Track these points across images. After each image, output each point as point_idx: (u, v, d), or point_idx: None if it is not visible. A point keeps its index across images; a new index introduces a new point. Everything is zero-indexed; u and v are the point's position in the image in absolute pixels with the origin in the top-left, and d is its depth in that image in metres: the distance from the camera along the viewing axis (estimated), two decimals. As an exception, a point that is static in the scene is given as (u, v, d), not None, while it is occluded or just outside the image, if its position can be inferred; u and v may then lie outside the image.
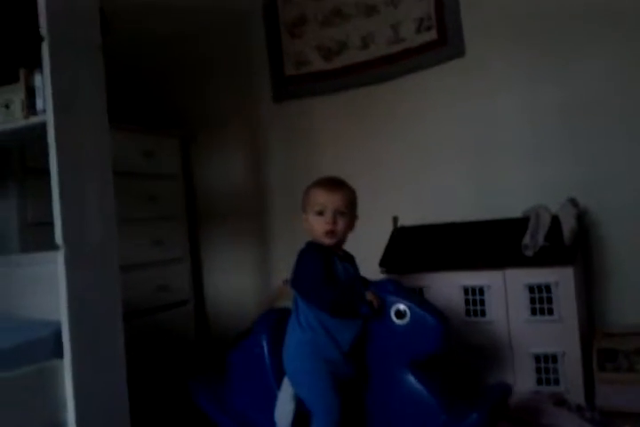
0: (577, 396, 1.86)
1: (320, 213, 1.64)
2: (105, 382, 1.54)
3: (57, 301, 1.50)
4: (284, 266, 2.75)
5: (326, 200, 1.65)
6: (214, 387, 1.82)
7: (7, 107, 1.71)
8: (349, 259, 1.74)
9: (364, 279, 1.75)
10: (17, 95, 1.68)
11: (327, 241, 1.65)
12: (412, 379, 1.56)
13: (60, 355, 1.47)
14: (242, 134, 2.97)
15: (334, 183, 1.70)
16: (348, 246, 1.74)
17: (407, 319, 1.58)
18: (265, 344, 1.70)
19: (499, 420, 1.56)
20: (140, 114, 2.90)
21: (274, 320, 1.76)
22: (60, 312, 1.48)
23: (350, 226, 1.69)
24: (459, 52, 2.46)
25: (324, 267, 1.59)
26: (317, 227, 1.65)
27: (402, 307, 1.58)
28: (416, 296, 1.65)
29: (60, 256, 1.50)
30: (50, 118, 1.57)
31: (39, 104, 1.64)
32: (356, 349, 1.61)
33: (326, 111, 2.74)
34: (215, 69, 2.99)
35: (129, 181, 2.42)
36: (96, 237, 1.60)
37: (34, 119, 1.63)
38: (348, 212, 1.67)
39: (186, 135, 2.96)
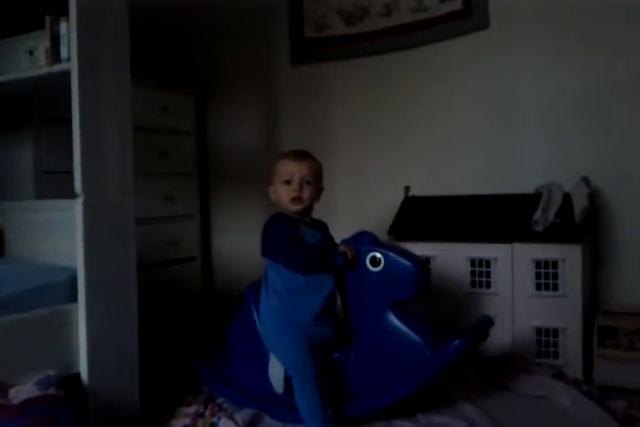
0: (575, 370, 1.90)
1: (287, 182, 1.69)
2: (117, 328, 1.57)
3: (73, 247, 1.52)
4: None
5: (293, 169, 1.69)
6: (217, 364, 1.86)
7: (31, 53, 1.70)
8: (320, 225, 1.77)
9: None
10: (41, 42, 1.67)
11: (293, 207, 1.69)
12: (394, 321, 1.61)
13: (74, 299, 1.50)
14: (257, 95, 2.95)
15: (301, 154, 1.75)
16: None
17: (382, 265, 1.62)
18: (254, 312, 1.74)
19: (478, 345, 1.62)
20: (158, 71, 2.88)
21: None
22: (77, 258, 1.50)
23: (317, 196, 1.74)
24: (483, 24, 2.42)
25: (292, 232, 1.64)
26: (284, 195, 1.69)
27: (377, 255, 1.63)
28: (390, 245, 1.70)
29: (78, 204, 1.52)
30: (74, 67, 1.56)
31: (63, 52, 1.63)
32: (329, 310, 1.65)
33: (344, 76, 2.72)
34: (234, 29, 2.96)
35: (143, 136, 2.42)
36: (114, 187, 1.61)
37: (58, 67, 1.62)
38: (314, 181, 1.71)
39: (202, 93, 2.95)
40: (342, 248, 1.63)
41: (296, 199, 1.67)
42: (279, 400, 1.68)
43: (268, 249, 1.69)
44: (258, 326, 1.72)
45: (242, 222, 2.95)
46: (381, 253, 1.63)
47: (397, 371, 1.57)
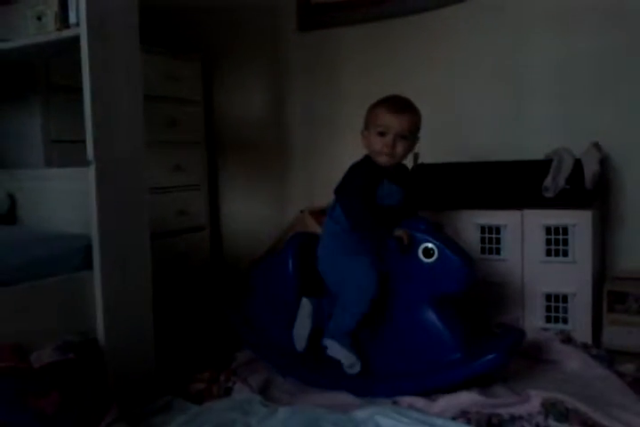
0: (584, 335, 1.92)
1: (381, 134, 1.66)
2: (132, 294, 1.59)
3: (86, 215, 1.52)
4: (300, 197, 2.79)
5: (390, 122, 1.65)
6: (242, 305, 1.89)
7: (39, 19, 1.68)
8: (401, 174, 1.75)
9: (412, 208, 1.79)
10: (49, 7, 1.65)
11: (383, 161, 1.67)
12: (431, 315, 1.59)
13: (89, 266, 1.51)
14: (264, 63, 2.92)
15: (401, 105, 1.68)
16: None
17: (434, 258, 1.59)
18: (290, 262, 1.75)
19: (510, 362, 1.59)
20: (164, 38, 2.85)
21: (301, 241, 1.80)
22: (91, 226, 1.51)
23: (410, 149, 1.71)
24: (492, -13, 2.39)
25: (368, 186, 1.64)
26: (376, 146, 1.67)
27: (430, 246, 1.59)
28: (446, 237, 1.66)
29: (91, 172, 1.52)
30: (83, 32, 1.54)
31: (72, 17, 1.61)
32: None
33: (353, 42, 2.68)
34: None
35: (149, 104, 2.41)
36: (125, 155, 1.61)
37: (67, 32, 1.61)
38: (410, 136, 1.68)
39: (209, 60, 2.92)
40: (399, 232, 1.59)
41: (388, 155, 1.66)
42: (299, 357, 1.70)
43: (338, 191, 1.71)
44: (290, 274, 1.73)
45: (250, 192, 2.95)
46: (436, 245, 1.59)
47: (423, 364, 1.58)
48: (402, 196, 1.73)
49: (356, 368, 1.62)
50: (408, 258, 1.62)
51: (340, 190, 1.71)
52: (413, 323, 1.61)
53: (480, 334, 1.66)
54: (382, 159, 1.67)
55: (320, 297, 1.71)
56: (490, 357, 1.51)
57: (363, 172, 1.68)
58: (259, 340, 1.82)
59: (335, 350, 1.63)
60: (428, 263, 1.60)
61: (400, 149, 1.66)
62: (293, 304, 1.69)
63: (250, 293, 1.88)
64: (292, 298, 1.70)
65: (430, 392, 1.54)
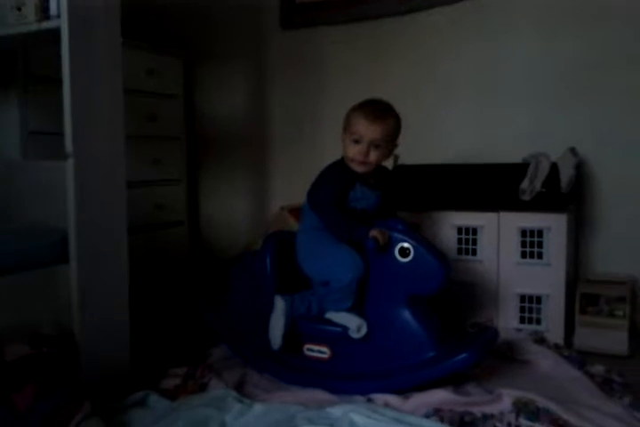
0: (556, 336, 1.95)
1: (356, 142, 1.65)
2: (108, 288, 1.57)
3: (63, 208, 1.51)
4: (280, 194, 2.79)
5: (364, 131, 1.63)
6: (216, 302, 1.89)
7: (19, 9, 1.64)
8: (379, 177, 1.75)
9: (389, 210, 1.80)
10: (30, -2, 1.63)
11: (356, 168, 1.68)
12: (406, 314, 1.60)
13: (65, 260, 1.50)
14: (246, 60, 2.92)
15: (377, 113, 1.65)
16: None
17: (410, 258, 1.60)
18: (268, 260, 1.75)
19: (482, 361, 1.61)
20: (145, 33, 2.82)
21: (279, 239, 1.80)
22: (68, 219, 1.49)
23: (386, 155, 1.70)
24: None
25: (338, 192, 1.65)
26: (350, 152, 1.66)
27: (406, 245, 1.60)
28: (422, 237, 1.67)
29: (69, 164, 1.50)
30: (64, 24, 1.52)
31: (53, 8, 1.58)
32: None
33: (336, 42, 2.69)
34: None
35: (129, 99, 2.38)
36: (105, 149, 1.60)
37: (47, 24, 1.58)
38: (385, 144, 1.67)
39: (190, 56, 2.90)
40: (375, 232, 1.60)
41: (361, 163, 1.65)
42: (276, 357, 1.71)
43: (310, 193, 1.72)
44: (268, 272, 1.74)
45: (229, 187, 2.95)
46: (412, 245, 1.60)
47: (397, 362, 1.59)
48: (377, 199, 1.74)
49: (363, 330, 1.61)
50: (384, 257, 1.63)
51: (311, 195, 1.72)
52: (388, 322, 1.62)
53: (454, 333, 1.68)
54: (355, 166, 1.68)
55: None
56: (462, 356, 1.52)
57: (334, 178, 1.68)
58: (235, 338, 1.82)
59: (339, 317, 1.63)
60: (403, 263, 1.61)
61: (373, 157, 1.65)
62: (271, 303, 1.69)
63: (227, 291, 1.88)
64: (270, 297, 1.70)
65: (404, 391, 1.56)
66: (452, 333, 1.65)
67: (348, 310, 1.63)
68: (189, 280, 2.68)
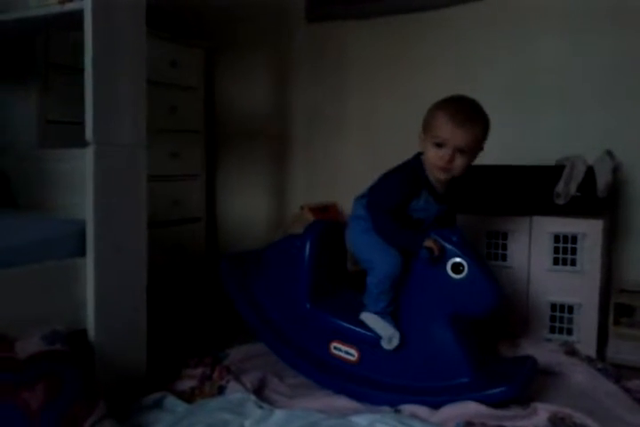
0: (588, 347, 1.86)
1: (438, 146, 1.49)
2: (126, 283, 1.51)
3: (82, 199, 1.44)
4: (299, 192, 2.72)
5: (449, 135, 1.46)
6: (243, 274, 1.81)
7: (41, -9, 1.59)
8: (449, 189, 1.61)
9: (449, 221, 1.71)
10: (52, -21, 1.57)
11: (437, 176, 1.54)
12: (448, 332, 1.51)
13: (83, 253, 1.43)
14: (270, 52, 2.85)
15: (465, 115, 1.47)
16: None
17: (463, 276, 1.49)
18: (308, 246, 1.68)
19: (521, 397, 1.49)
20: (168, 23, 2.76)
21: (322, 229, 1.74)
22: (86, 210, 1.43)
23: (471, 161, 1.54)
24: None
25: (404, 196, 1.53)
26: (431, 157, 1.51)
27: (461, 262, 1.49)
28: (477, 254, 1.56)
29: (89, 153, 1.43)
30: (87, 6, 1.45)
31: (75, -11, 1.53)
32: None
33: (361, 36, 2.62)
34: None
35: (149, 90, 2.34)
36: (126, 138, 1.53)
37: (69, 6, 1.52)
38: (470, 151, 1.50)
39: (212, 48, 2.84)
40: (430, 243, 1.49)
41: (444, 169, 1.51)
42: (301, 350, 1.66)
43: (371, 193, 1.60)
44: (305, 260, 1.67)
45: (248, 183, 2.88)
46: (467, 262, 1.49)
47: (429, 381, 1.51)
48: (439, 212, 1.61)
49: (395, 342, 1.53)
50: (434, 270, 1.53)
51: (373, 193, 1.59)
52: (426, 338, 1.54)
53: (491, 357, 1.60)
54: (437, 173, 1.52)
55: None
56: (501, 388, 1.43)
57: (404, 182, 1.53)
58: (263, 325, 1.74)
59: (372, 321, 1.55)
60: (455, 279, 1.50)
61: (458, 163, 1.49)
62: (304, 292, 1.64)
63: (259, 274, 1.80)
64: (304, 285, 1.65)
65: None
66: (489, 358, 1.58)
67: (383, 316, 1.55)
68: (206, 278, 2.61)
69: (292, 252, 1.71)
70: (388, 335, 1.53)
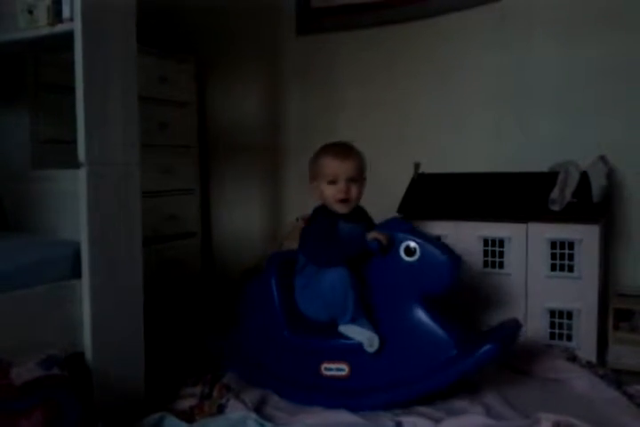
0: (588, 353, 1.86)
1: (332, 182, 1.66)
2: (122, 305, 1.50)
3: (76, 220, 1.44)
4: (295, 204, 2.71)
5: (338, 169, 1.65)
6: (230, 339, 1.81)
7: (30, 12, 1.58)
8: (358, 215, 1.74)
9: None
10: (41, 0, 1.56)
11: (341, 210, 1.67)
12: (421, 314, 1.55)
13: (78, 275, 1.42)
14: (261, 66, 2.85)
15: (344, 151, 1.69)
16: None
17: (417, 256, 1.55)
18: (273, 281, 1.70)
19: (507, 353, 1.55)
20: (157, 39, 2.76)
21: (281, 260, 1.75)
22: (80, 232, 1.42)
23: (362, 191, 1.71)
24: (498, -6, 2.34)
25: (327, 227, 1.64)
26: (330, 195, 1.67)
27: (412, 244, 1.56)
28: (425, 234, 1.64)
29: (82, 174, 1.43)
30: (78, 28, 1.45)
31: (65, 11, 1.52)
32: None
33: (353, 48, 2.63)
34: (238, -4, 2.84)
35: (140, 106, 2.34)
36: (119, 158, 1.52)
37: (60, 27, 1.52)
38: (360, 178, 1.69)
39: (203, 62, 2.84)
40: (375, 234, 1.57)
41: (344, 201, 1.65)
42: (291, 379, 1.63)
43: (303, 251, 1.69)
44: (275, 298, 1.68)
45: (242, 198, 2.87)
46: (418, 243, 1.55)
47: (420, 367, 1.52)
48: (364, 230, 1.68)
49: (375, 343, 1.54)
50: (389, 259, 1.58)
51: (301, 246, 1.69)
52: (404, 326, 1.56)
53: (473, 328, 1.65)
54: (340, 208, 1.67)
55: None
56: (486, 348, 1.46)
57: (321, 223, 1.66)
58: (246, 365, 1.74)
59: (350, 330, 1.57)
60: (410, 262, 1.56)
61: (354, 191, 1.66)
62: (280, 324, 1.65)
63: (237, 315, 1.81)
64: (279, 318, 1.66)
65: (430, 395, 1.50)
66: (472, 329, 1.62)
67: (357, 322, 1.57)
68: (202, 295, 2.60)
69: (261, 290, 1.72)
70: (367, 338, 1.55)
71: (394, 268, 1.59)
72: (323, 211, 1.70)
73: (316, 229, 1.66)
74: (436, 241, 1.63)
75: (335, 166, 1.66)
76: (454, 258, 1.56)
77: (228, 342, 1.80)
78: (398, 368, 1.55)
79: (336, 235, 1.64)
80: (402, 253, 1.57)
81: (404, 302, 1.57)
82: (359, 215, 1.75)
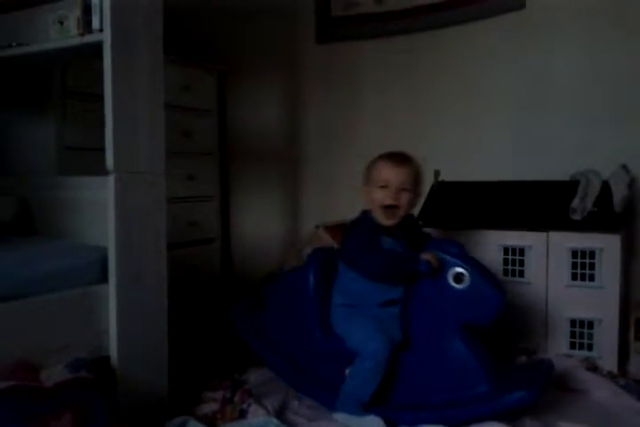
0: (609, 363, 1.86)
1: (383, 188, 1.60)
2: (147, 310, 1.52)
3: (103, 226, 1.46)
4: (313, 211, 2.73)
5: (391, 175, 1.59)
6: (252, 315, 1.82)
7: (61, 23, 1.62)
8: (405, 228, 1.66)
9: (427, 236, 1.74)
10: (72, 12, 1.60)
11: (384, 221, 1.60)
12: (459, 344, 1.52)
13: (105, 280, 1.45)
14: (281, 74, 2.89)
15: (401, 158, 1.63)
16: None
17: (465, 284, 1.52)
18: (311, 278, 1.67)
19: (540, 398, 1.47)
20: (179, 47, 2.80)
21: (324, 257, 1.73)
22: (108, 238, 1.45)
23: (413, 204, 1.64)
24: (519, 3, 2.34)
25: (370, 236, 1.58)
26: (378, 199, 1.60)
27: (462, 271, 1.52)
28: (477, 262, 1.58)
29: (110, 181, 1.46)
30: (107, 38, 1.49)
31: (95, 22, 1.56)
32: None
33: (372, 56, 2.65)
34: (258, 5, 2.86)
35: (165, 114, 2.37)
36: (146, 166, 1.55)
37: (89, 38, 1.56)
38: (412, 189, 1.61)
39: (224, 71, 2.88)
40: (426, 256, 1.53)
41: (391, 208, 1.58)
42: (317, 379, 1.64)
43: (343, 255, 1.65)
44: (310, 292, 1.66)
45: (261, 203, 2.90)
46: (468, 270, 1.52)
47: (444, 396, 1.49)
48: (404, 249, 1.65)
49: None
50: (436, 283, 1.55)
51: (344, 251, 1.65)
52: (439, 351, 1.53)
53: (506, 364, 1.59)
54: (383, 217, 1.59)
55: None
56: (520, 394, 1.41)
57: (364, 231, 1.60)
58: (272, 354, 1.74)
59: (351, 422, 1.49)
60: (458, 289, 1.52)
61: (404, 200, 1.58)
62: (313, 321, 1.65)
63: (264, 306, 1.81)
64: (313, 315, 1.65)
65: (453, 425, 1.46)
66: (504, 364, 1.56)
67: (366, 408, 1.50)
68: (223, 299, 2.62)
69: (298, 283, 1.71)
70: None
71: (438, 292, 1.55)
72: (366, 219, 1.63)
73: (360, 235, 1.60)
74: (485, 269, 1.58)
75: (388, 171, 1.60)
76: (502, 291, 1.53)
77: (255, 329, 1.79)
78: (425, 392, 1.52)
79: (380, 247, 1.58)
80: (450, 280, 1.54)
81: (444, 329, 1.54)
82: (405, 229, 1.67)
